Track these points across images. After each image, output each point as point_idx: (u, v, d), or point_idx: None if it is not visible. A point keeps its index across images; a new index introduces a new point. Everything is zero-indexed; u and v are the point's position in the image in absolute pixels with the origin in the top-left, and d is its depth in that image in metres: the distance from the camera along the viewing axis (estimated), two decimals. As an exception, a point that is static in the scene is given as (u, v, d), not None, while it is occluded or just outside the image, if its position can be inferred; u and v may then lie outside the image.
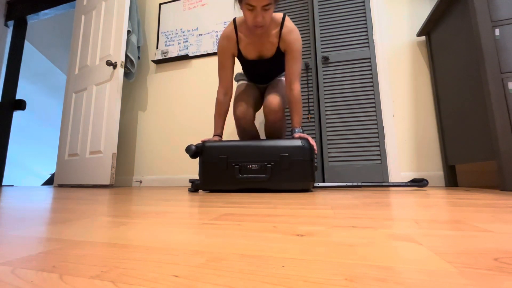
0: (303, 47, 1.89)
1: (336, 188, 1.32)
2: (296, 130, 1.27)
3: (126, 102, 2.44)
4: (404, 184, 1.15)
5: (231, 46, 1.32)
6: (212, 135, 1.48)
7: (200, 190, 1.29)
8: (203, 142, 1.24)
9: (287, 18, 1.28)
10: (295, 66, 1.28)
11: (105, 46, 2.18)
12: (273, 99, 1.32)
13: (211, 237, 0.33)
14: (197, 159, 2.10)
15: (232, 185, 1.16)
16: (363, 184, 1.19)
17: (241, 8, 1.21)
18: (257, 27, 1.20)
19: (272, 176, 1.13)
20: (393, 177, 1.61)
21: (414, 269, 0.21)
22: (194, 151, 1.20)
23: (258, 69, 1.40)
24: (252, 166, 1.15)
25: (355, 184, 1.19)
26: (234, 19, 1.31)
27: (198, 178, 1.94)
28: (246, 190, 1.17)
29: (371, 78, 1.73)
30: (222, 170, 1.17)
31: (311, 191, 1.17)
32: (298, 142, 1.13)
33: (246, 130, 1.40)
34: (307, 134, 1.71)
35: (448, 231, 0.34)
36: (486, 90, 1.10)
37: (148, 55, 2.45)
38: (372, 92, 1.72)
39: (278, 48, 1.30)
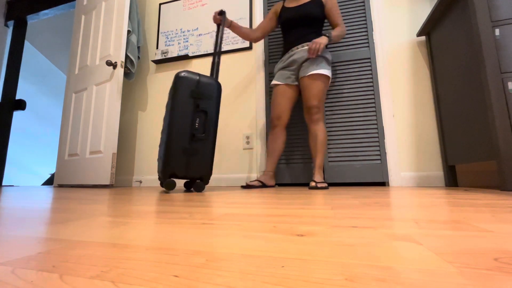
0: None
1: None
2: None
3: (126, 102, 2.44)
4: None
5: (276, 7, 1.69)
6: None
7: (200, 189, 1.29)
8: None
9: None
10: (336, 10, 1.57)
11: (105, 46, 2.18)
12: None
13: (211, 237, 0.33)
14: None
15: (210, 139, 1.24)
16: None
17: None
18: None
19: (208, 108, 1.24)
20: (393, 177, 1.61)
21: (414, 269, 0.21)
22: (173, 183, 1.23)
23: (298, 14, 1.56)
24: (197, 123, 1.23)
25: None
26: None
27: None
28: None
29: (371, 78, 1.73)
30: (188, 149, 1.22)
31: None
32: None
33: (277, 134, 1.57)
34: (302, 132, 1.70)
35: (448, 231, 0.34)
36: (486, 90, 1.10)
37: (148, 55, 2.45)
38: (372, 92, 1.72)
39: None
